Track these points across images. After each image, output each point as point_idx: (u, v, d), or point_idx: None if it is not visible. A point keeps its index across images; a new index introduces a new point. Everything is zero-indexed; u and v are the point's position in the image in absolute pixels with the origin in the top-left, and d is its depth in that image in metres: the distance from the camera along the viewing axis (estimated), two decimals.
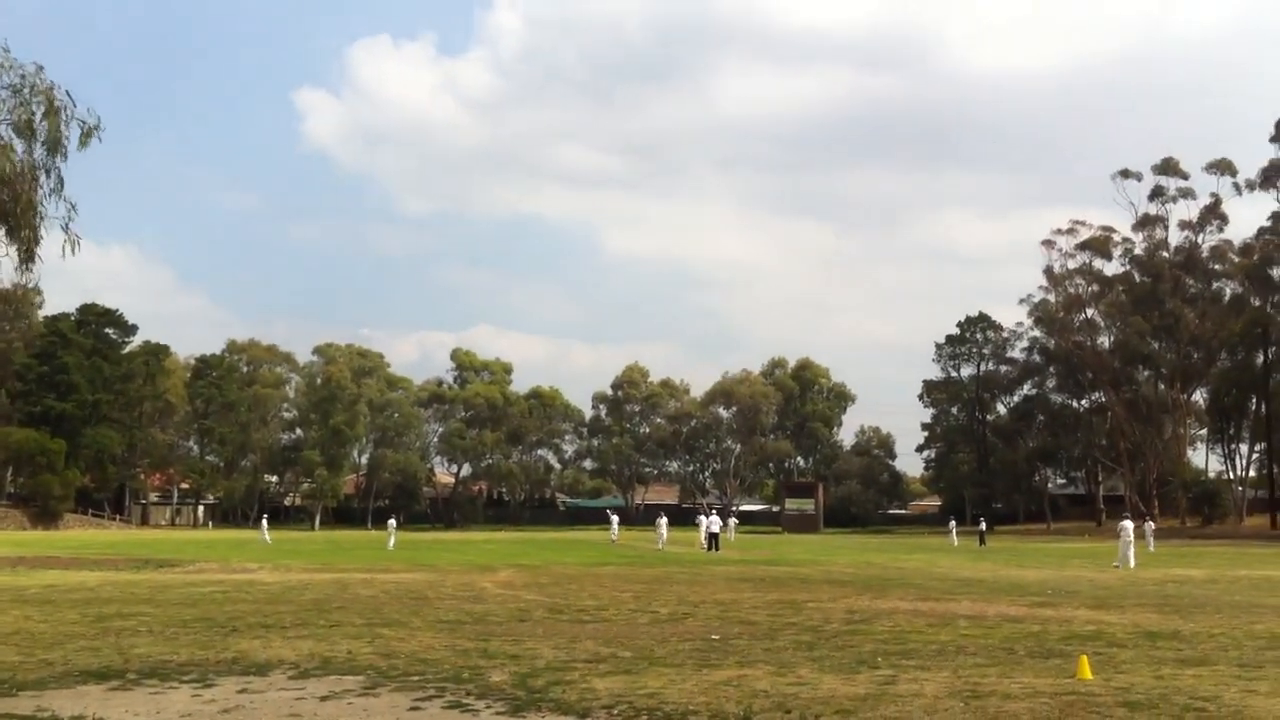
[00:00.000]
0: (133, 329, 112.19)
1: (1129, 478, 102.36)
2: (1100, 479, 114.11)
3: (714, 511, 62.72)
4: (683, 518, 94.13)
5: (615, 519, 71.51)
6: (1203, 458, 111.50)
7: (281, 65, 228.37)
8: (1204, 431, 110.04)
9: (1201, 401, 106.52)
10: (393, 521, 59.54)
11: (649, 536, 73.93)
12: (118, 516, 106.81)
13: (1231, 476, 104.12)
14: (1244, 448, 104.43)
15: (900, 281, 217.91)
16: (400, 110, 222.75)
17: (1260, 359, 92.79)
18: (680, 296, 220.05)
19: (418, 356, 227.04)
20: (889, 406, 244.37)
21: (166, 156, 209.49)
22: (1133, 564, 38.19)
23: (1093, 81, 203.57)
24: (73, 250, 17.60)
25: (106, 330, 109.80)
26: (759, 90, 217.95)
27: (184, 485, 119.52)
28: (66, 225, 17.12)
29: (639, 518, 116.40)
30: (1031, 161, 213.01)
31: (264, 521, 71.19)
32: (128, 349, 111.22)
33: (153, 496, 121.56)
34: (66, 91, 17.01)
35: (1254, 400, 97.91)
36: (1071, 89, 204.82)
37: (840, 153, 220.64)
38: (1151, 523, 62.10)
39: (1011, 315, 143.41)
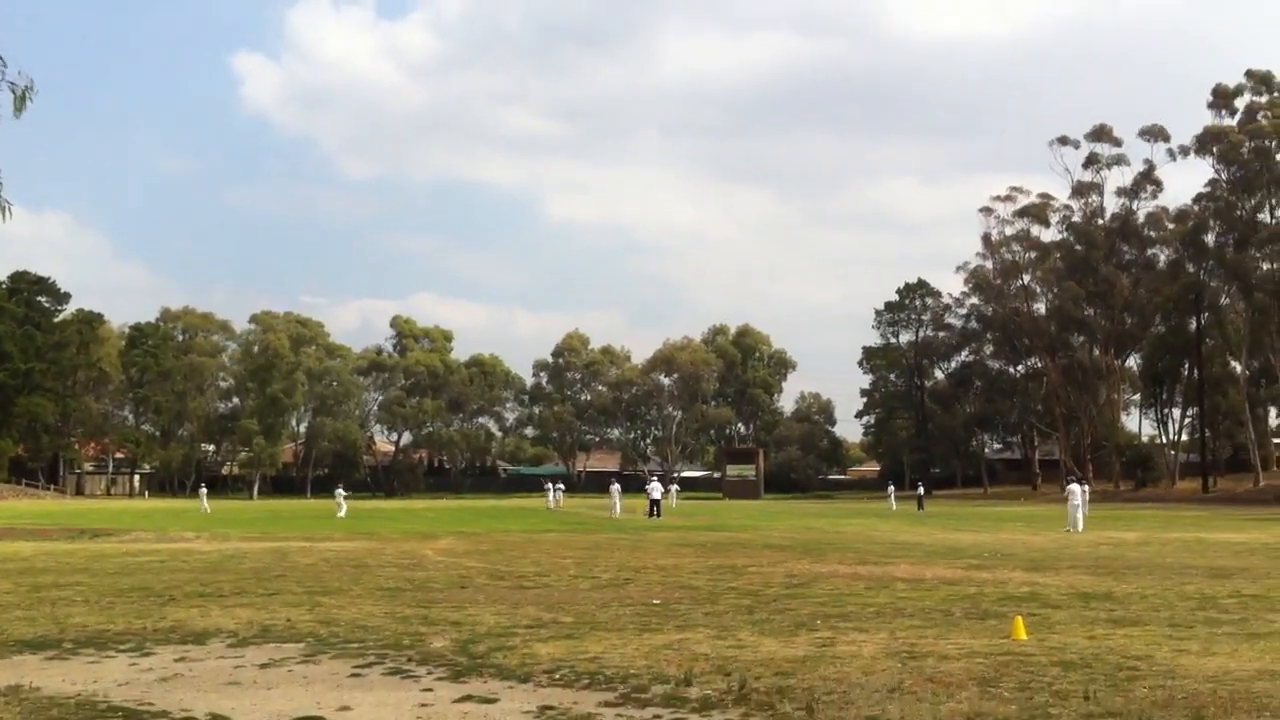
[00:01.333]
0: (65, 297, 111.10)
1: (1064, 442, 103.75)
2: (1036, 444, 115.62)
3: (655, 478, 62.88)
4: (627, 485, 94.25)
5: (551, 487, 70.92)
6: (1136, 422, 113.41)
7: (219, 28, 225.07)
8: (1137, 396, 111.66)
9: (1135, 367, 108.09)
10: (341, 490, 59.02)
11: (592, 503, 74.08)
12: (52, 486, 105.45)
13: (1164, 441, 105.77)
14: (1176, 412, 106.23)
15: (842, 248, 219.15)
16: (340, 74, 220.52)
17: (1193, 324, 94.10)
18: (624, 263, 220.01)
19: (359, 324, 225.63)
20: (829, 373, 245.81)
21: (102, 122, 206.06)
22: (1080, 527, 38.54)
23: (1035, 48, 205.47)
24: (3, 217, 17.29)
25: (39, 298, 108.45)
26: (704, 55, 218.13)
27: (119, 455, 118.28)
28: None
29: (582, 485, 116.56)
30: (974, 128, 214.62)
31: (203, 490, 70.56)
32: (60, 317, 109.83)
33: (88, 466, 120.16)
34: None
35: (1186, 365, 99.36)
36: (1014, 55, 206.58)
37: (784, 119, 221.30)
38: (1087, 486, 62.96)
39: (953, 282, 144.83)
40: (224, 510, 65.35)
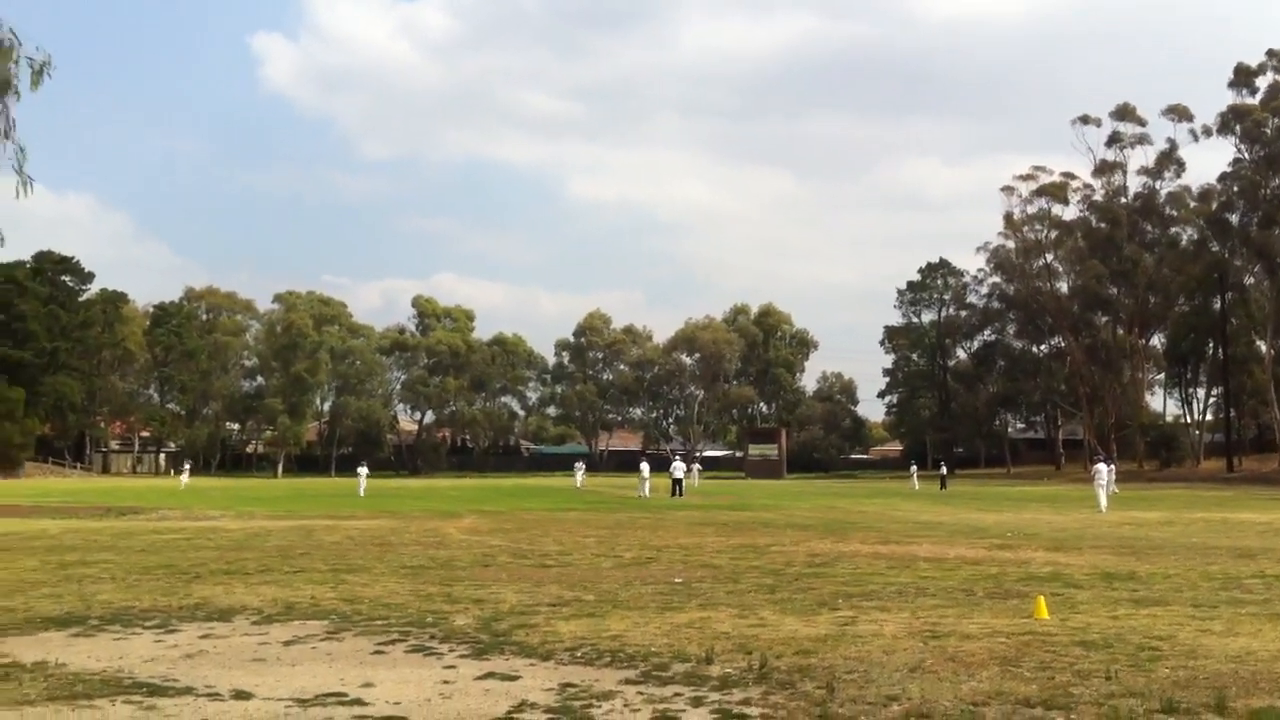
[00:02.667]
0: (90, 276, 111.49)
1: (1088, 422, 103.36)
2: (1059, 423, 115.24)
3: (678, 457, 62.65)
4: (653, 465, 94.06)
5: (580, 466, 71.49)
6: (1160, 402, 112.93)
7: (238, 9, 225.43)
8: (1161, 376, 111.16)
9: (1159, 346, 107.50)
10: (363, 469, 58.65)
11: (615, 483, 74.18)
12: (78, 465, 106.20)
13: (1188, 420, 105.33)
14: (1201, 392, 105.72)
15: (864, 228, 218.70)
16: (359, 54, 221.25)
17: (1218, 304, 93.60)
18: (644, 243, 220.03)
19: (381, 304, 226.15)
20: (851, 352, 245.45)
21: (125, 103, 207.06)
22: (1104, 506, 38.26)
23: (1059, 26, 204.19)
24: (26, 191, 17.31)
25: (63, 278, 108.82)
26: (723, 36, 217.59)
27: (145, 433, 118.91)
28: (19, 167, 16.83)
29: (604, 464, 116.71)
30: (997, 108, 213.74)
31: (186, 466, 69.86)
32: (85, 297, 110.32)
33: (113, 445, 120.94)
34: (12, 30, 16.68)
35: (1211, 344, 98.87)
36: (1038, 33, 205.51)
37: (805, 99, 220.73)
38: (1113, 466, 62.73)
39: (975, 261, 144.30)
40: (249, 489, 65.63)
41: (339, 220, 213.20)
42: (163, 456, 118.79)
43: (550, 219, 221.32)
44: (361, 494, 52.53)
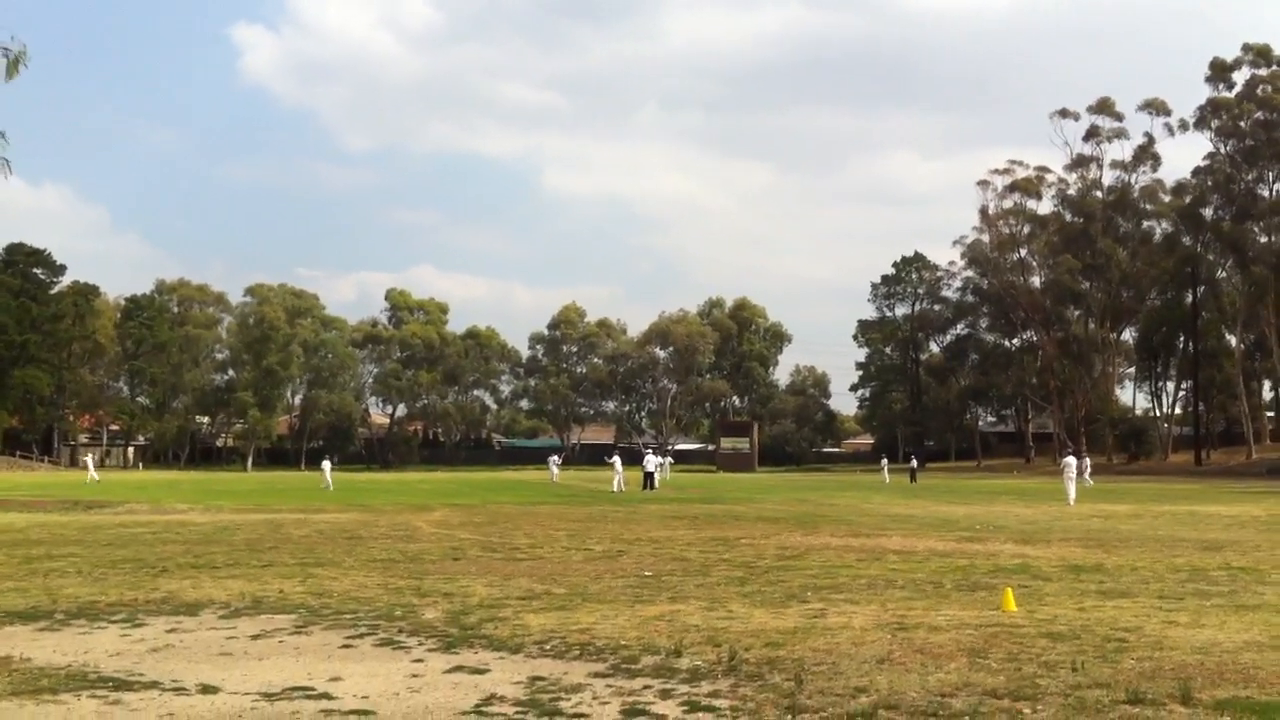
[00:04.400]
0: (61, 269, 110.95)
1: (1058, 415, 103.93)
2: (1030, 417, 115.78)
3: (650, 451, 62.47)
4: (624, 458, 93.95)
5: (555, 460, 71.11)
6: (1130, 395, 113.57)
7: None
8: (1132, 370, 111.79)
9: (1131, 340, 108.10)
10: (327, 462, 57.83)
11: (588, 476, 74.10)
12: (46, 458, 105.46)
13: (1158, 414, 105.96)
14: (1171, 386, 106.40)
15: (841, 221, 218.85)
16: (340, 45, 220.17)
17: (1189, 298, 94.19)
18: (623, 237, 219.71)
19: (356, 297, 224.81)
20: (825, 346, 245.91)
21: (102, 94, 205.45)
22: (1072, 500, 38.51)
23: (1040, 20, 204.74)
24: (4, 175, 17.19)
25: (34, 270, 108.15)
26: (705, 28, 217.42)
27: (114, 427, 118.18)
28: None
29: (576, 458, 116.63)
30: (976, 101, 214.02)
31: (89, 460, 69.20)
32: (56, 289, 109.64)
33: (82, 438, 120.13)
34: None
35: (1182, 338, 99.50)
36: (1019, 27, 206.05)
37: (785, 92, 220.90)
38: (1087, 459, 63.22)
39: (950, 255, 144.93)
40: (218, 482, 65.34)
41: (317, 213, 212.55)
42: (131, 450, 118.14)
43: (531, 212, 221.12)
44: (331, 488, 51.90)
